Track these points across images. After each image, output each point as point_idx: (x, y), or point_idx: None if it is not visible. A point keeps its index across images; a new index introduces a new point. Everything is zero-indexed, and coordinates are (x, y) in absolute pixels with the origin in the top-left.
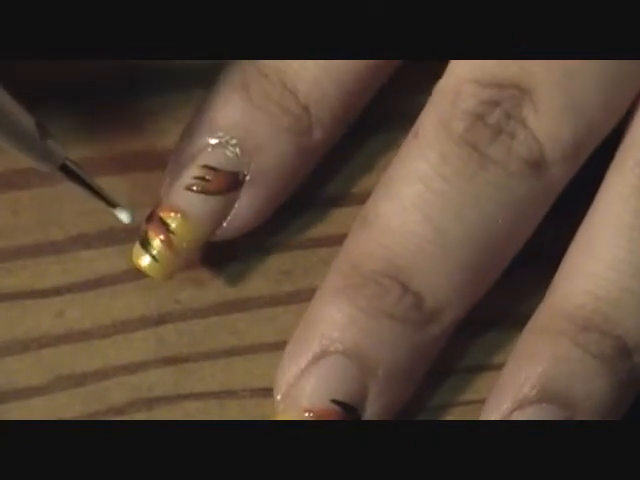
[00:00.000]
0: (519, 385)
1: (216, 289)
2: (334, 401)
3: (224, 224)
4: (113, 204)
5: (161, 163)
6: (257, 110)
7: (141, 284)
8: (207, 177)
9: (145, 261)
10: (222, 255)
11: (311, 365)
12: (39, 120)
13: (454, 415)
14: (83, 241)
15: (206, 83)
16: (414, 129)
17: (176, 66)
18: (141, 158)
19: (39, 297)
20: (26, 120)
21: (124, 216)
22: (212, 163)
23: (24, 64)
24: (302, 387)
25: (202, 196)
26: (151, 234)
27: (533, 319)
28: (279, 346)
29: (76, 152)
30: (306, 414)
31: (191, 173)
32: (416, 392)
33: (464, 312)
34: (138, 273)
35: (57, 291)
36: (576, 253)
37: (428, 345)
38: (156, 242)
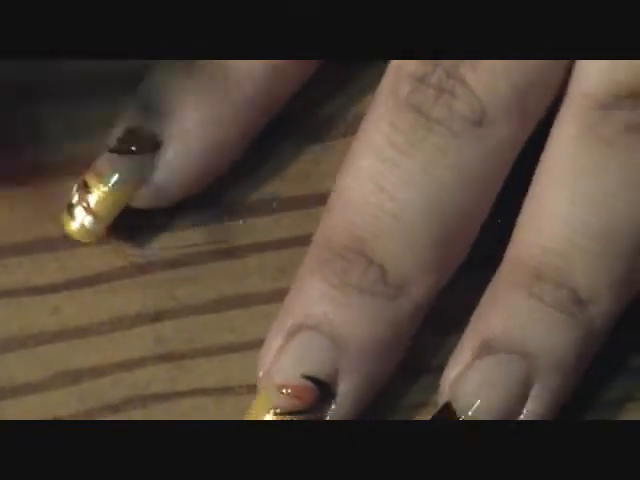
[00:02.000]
0: (479, 335)
1: (213, 286)
2: (306, 377)
3: (145, 188)
4: None
5: None
6: (177, 74)
7: (138, 281)
8: (125, 138)
9: (71, 226)
10: (219, 252)
11: (286, 342)
12: None
13: None
14: None
15: None
16: (372, 100)
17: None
18: None
19: (35, 294)
20: None
21: None
22: (132, 125)
23: (24, 64)
24: (277, 364)
25: (120, 157)
26: (74, 199)
27: (498, 270)
28: None
29: (76, 151)
30: (282, 391)
31: (115, 136)
32: (394, 368)
33: (435, 286)
34: (135, 270)
35: (53, 288)
36: (528, 205)
37: (400, 320)
38: (78, 207)
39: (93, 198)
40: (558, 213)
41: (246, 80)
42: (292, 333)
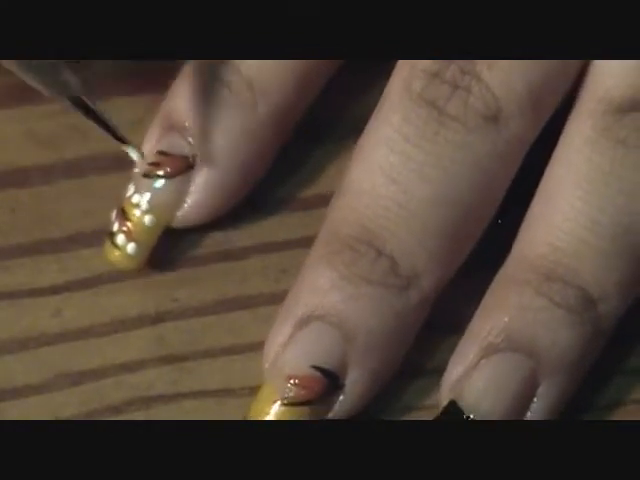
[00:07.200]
0: (485, 334)
1: (215, 287)
2: (315, 367)
3: (183, 208)
4: (123, 140)
5: None
6: (203, 92)
7: (139, 282)
8: (159, 162)
9: (113, 255)
10: (220, 253)
11: (295, 332)
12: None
13: None
14: (81, 240)
15: None
16: (383, 95)
17: (176, 66)
18: None
19: (37, 295)
20: None
21: (134, 154)
22: (164, 148)
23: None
24: (285, 355)
25: (156, 181)
26: (114, 227)
27: (503, 268)
28: None
29: (75, 150)
30: (290, 381)
31: (146, 160)
32: (401, 362)
33: (444, 278)
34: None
35: (55, 289)
36: (537, 203)
37: (409, 311)
38: (119, 234)
39: (132, 224)
40: (569, 212)
41: (273, 92)
42: (301, 323)
